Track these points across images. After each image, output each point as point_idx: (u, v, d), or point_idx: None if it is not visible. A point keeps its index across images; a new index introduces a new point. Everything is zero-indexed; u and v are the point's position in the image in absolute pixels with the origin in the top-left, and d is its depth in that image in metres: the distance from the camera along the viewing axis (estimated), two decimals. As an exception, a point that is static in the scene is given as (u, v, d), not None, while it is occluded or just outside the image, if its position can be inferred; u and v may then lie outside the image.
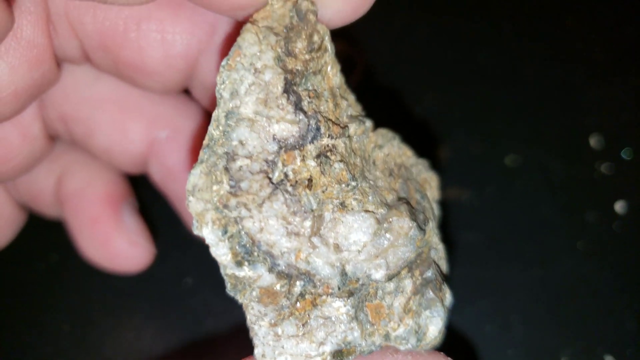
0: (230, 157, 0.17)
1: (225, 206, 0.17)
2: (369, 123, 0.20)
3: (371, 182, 0.19)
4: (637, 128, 0.33)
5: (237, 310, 0.18)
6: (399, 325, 0.18)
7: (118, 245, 0.26)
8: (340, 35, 0.37)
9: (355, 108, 0.20)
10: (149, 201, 0.30)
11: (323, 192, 0.18)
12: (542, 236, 0.31)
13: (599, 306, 0.29)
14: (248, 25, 0.17)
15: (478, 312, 0.29)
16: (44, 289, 0.31)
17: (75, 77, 0.24)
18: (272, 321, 0.18)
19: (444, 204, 0.32)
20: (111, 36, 0.20)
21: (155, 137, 0.25)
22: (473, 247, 0.31)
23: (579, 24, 0.38)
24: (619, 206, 0.31)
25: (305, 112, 0.18)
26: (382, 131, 0.21)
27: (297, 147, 0.18)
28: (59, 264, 0.31)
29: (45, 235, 0.31)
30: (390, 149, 0.21)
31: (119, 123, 0.24)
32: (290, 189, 0.18)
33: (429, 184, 0.22)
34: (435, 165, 0.33)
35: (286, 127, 0.17)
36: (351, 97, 0.20)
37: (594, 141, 0.33)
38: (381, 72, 0.37)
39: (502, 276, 0.30)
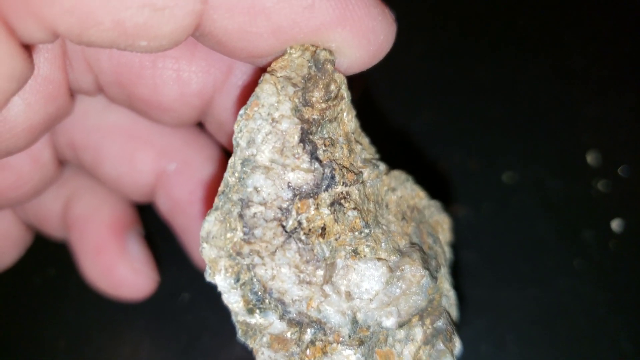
0: (245, 203, 0.17)
1: (239, 254, 0.17)
2: (382, 166, 0.20)
3: (384, 227, 0.19)
4: (634, 145, 0.33)
5: (233, 327, 0.19)
6: None
7: (121, 273, 0.26)
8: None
9: (369, 151, 0.20)
10: (148, 220, 0.30)
11: (336, 240, 0.18)
12: (539, 254, 0.31)
13: (595, 326, 0.29)
14: (267, 76, 0.18)
15: (473, 331, 0.29)
16: (40, 303, 0.31)
17: (87, 105, 0.24)
18: None
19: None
20: (126, 73, 0.20)
21: (163, 169, 0.25)
22: (469, 265, 0.31)
23: (576, 41, 0.38)
24: (616, 224, 0.31)
25: (320, 161, 0.18)
26: (396, 173, 0.21)
27: (312, 195, 0.18)
28: (56, 279, 0.31)
29: (42, 250, 0.31)
30: (403, 191, 0.21)
31: (128, 153, 0.24)
32: (303, 237, 0.18)
33: (441, 226, 0.22)
34: (432, 181, 0.33)
35: (301, 176, 0.18)
36: (365, 140, 0.21)
37: (591, 158, 0.33)
38: (379, 88, 0.37)
39: (498, 295, 0.30)
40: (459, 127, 0.35)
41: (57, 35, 0.16)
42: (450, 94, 0.36)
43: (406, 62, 0.37)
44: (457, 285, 0.30)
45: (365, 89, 0.36)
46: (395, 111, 0.36)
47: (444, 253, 0.21)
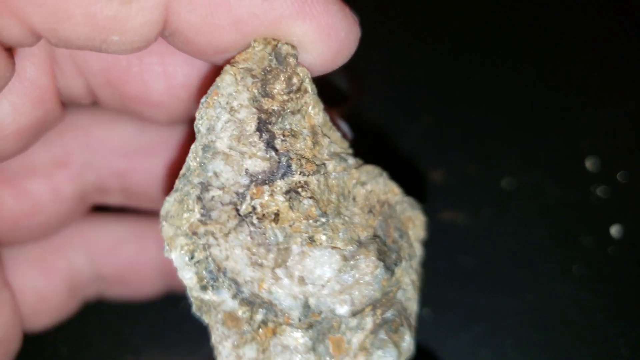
0: (205, 187, 0.19)
1: (195, 233, 0.18)
2: (351, 160, 0.21)
3: (346, 218, 0.20)
4: (633, 151, 0.33)
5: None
6: None
7: None
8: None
9: (340, 145, 0.21)
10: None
11: (290, 226, 0.19)
12: (537, 260, 0.31)
13: (594, 332, 0.29)
14: (228, 67, 0.19)
15: (472, 337, 0.29)
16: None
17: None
18: (235, 343, 0.19)
19: (439, 226, 0.32)
20: (115, 72, 0.21)
21: None
22: (467, 271, 0.31)
23: (574, 46, 0.38)
24: (615, 230, 0.31)
25: (276, 150, 0.19)
26: (368, 168, 0.22)
27: (267, 182, 0.19)
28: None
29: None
30: (374, 186, 0.21)
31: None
32: (256, 221, 0.18)
33: (413, 222, 0.22)
34: (430, 187, 0.34)
35: (258, 163, 0.18)
36: (336, 135, 0.21)
37: (589, 164, 0.34)
38: (376, 94, 0.37)
39: (497, 301, 0.30)
40: (458, 133, 0.35)
41: (36, 33, 0.17)
42: (449, 99, 0.36)
43: (404, 67, 0.38)
44: (455, 292, 0.30)
45: (363, 94, 0.36)
46: (393, 116, 0.36)
47: (411, 248, 0.22)
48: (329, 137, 0.20)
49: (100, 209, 0.28)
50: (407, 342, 0.20)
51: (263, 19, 0.18)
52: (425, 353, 0.29)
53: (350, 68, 0.37)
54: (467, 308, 0.30)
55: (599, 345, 0.28)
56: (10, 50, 0.17)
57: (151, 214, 0.28)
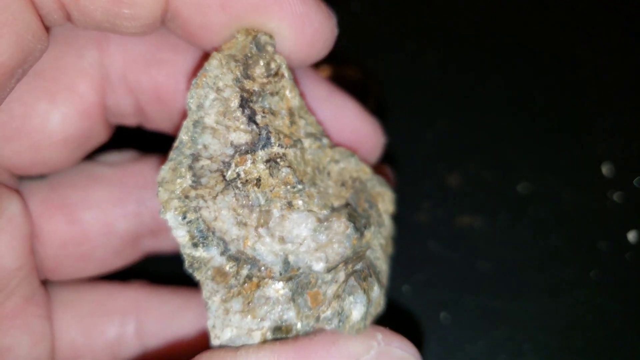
0: (195, 157, 0.21)
1: (187, 197, 0.21)
2: (325, 140, 0.23)
3: (321, 188, 0.22)
4: (649, 157, 0.34)
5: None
6: (327, 308, 0.21)
7: None
8: (355, 65, 0.37)
9: (315, 127, 0.23)
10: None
11: (271, 191, 0.21)
12: (554, 265, 0.31)
13: (612, 336, 0.29)
14: (214, 53, 0.21)
15: (491, 342, 0.29)
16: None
17: None
18: (223, 297, 0.21)
19: (456, 231, 0.32)
20: (165, 90, 0.23)
21: None
22: (485, 275, 0.31)
23: (590, 52, 0.38)
24: (632, 235, 0.31)
25: (257, 124, 0.21)
26: (341, 149, 0.24)
27: (249, 152, 0.21)
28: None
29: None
30: (347, 164, 0.24)
31: None
32: (240, 185, 0.21)
33: (382, 197, 0.25)
34: (447, 192, 0.34)
35: (241, 136, 0.21)
36: (312, 118, 0.23)
37: (606, 169, 0.34)
38: (393, 99, 0.37)
39: (515, 305, 0.30)
40: (474, 138, 0.35)
41: (62, 6, 0.18)
42: (465, 104, 0.36)
43: (421, 71, 0.38)
44: (474, 296, 0.30)
45: (380, 98, 0.37)
46: (410, 120, 0.36)
47: (379, 218, 0.24)
48: (305, 119, 0.23)
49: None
50: (376, 292, 0.21)
51: (245, 3, 0.20)
52: (444, 357, 0.29)
53: (369, 73, 0.37)
54: (485, 313, 0.30)
55: (617, 350, 0.28)
56: (46, 28, 0.19)
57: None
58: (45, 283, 0.25)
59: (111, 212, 0.25)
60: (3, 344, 0.22)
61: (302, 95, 0.23)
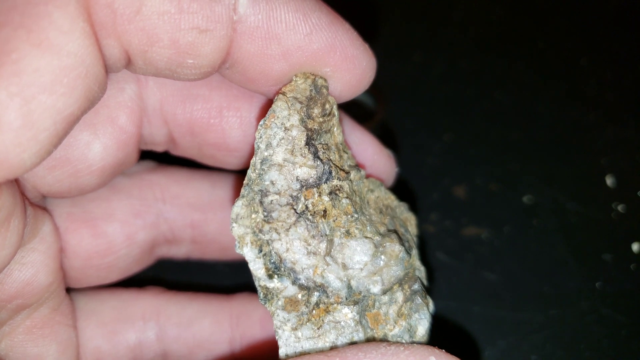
0: (264, 193, 0.22)
1: (260, 231, 0.22)
2: (363, 172, 0.25)
3: (367, 216, 0.24)
4: (653, 169, 0.34)
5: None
6: (394, 327, 0.22)
7: None
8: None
9: (352, 160, 0.25)
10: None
11: (334, 221, 0.22)
12: (560, 276, 0.31)
13: (618, 347, 0.29)
14: (280, 96, 0.23)
15: (498, 352, 0.29)
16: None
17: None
18: (294, 326, 0.22)
19: (463, 242, 0.33)
20: (198, 123, 0.25)
21: None
22: (492, 286, 0.31)
23: (594, 65, 0.39)
24: (637, 247, 0.32)
25: (321, 160, 0.22)
26: (372, 179, 0.26)
27: (315, 185, 0.22)
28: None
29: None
30: (379, 192, 0.26)
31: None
32: (310, 217, 0.22)
33: (409, 222, 0.27)
34: (453, 203, 0.34)
35: (307, 171, 0.22)
36: (350, 152, 0.25)
37: (610, 181, 0.34)
38: (400, 111, 0.38)
39: (521, 316, 0.30)
40: (480, 150, 0.36)
41: (127, 56, 0.20)
42: (471, 117, 0.37)
43: (427, 84, 0.39)
44: (480, 307, 0.31)
45: (387, 111, 0.37)
46: (415, 133, 0.37)
47: (413, 240, 0.25)
48: (346, 153, 0.25)
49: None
50: (432, 308, 0.23)
51: (305, 51, 0.21)
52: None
53: (375, 87, 0.38)
54: (492, 323, 0.30)
55: (623, 361, 0.29)
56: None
57: (223, 293, 0.29)
58: (68, 291, 0.26)
59: (132, 224, 0.26)
60: (33, 352, 0.23)
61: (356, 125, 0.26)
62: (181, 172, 0.28)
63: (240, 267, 0.29)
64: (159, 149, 0.26)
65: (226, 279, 0.32)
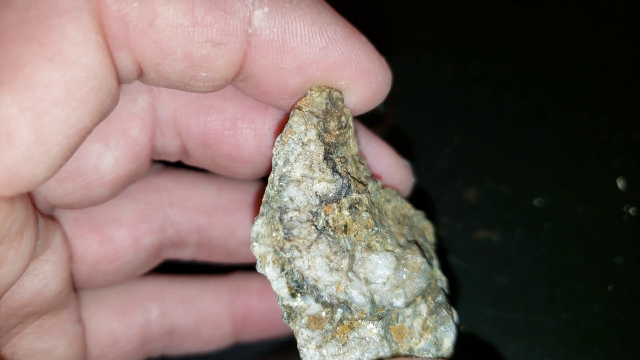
0: (283, 210, 0.22)
1: (282, 249, 0.21)
2: (379, 182, 0.25)
3: (387, 228, 0.23)
4: (664, 171, 0.34)
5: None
6: (419, 340, 0.22)
7: None
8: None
9: (367, 171, 0.25)
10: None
11: (355, 235, 0.22)
12: (572, 279, 0.31)
13: (631, 350, 0.29)
14: (296, 111, 0.22)
15: (510, 355, 0.30)
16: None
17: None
18: (318, 344, 0.21)
19: (474, 245, 0.33)
20: (212, 135, 0.24)
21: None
22: (503, 289, 0.31)
23: (604, 67, 0.39)
24: (649, 250, 0.32)
25: (340, 174, 0.22)
26: (388, 189, 0.26)
27: (335, 200, 0.22)
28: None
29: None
30: (396, 202, 0.25)
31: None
32: (331, 233, 0.22)
33: (427, 230, 0.26)
34: (464, 207, 0.34)
35: (326, 186, 0.22)
36: (365, 162, 0.25)
37: (621, 184, 0.34)
38: (410, 114, 0.38)
39: (533, 319, 0.30)
40: (491, 152, 0.36)
41: (140, 69, 0.19)
42: (482, 119, 0.37)
43: (437, 87, 0.39)
44: (492, 310, 0.31)
45: (397, 115, 0.37)
46: (425, 136, 0.37)
47: (432, 249, 0.25)
48: (362, 164, 0.24)
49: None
50: (456, 318, 0.23)
51: (320, 65, 0.21)
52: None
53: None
54: (504, 326, 0.30)
55: (635, 364, 0.29)
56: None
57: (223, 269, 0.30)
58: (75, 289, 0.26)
59: (139, 228, 0.26)
60: (42, 347, 0.24)
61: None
62: (188, 175, 0.28)
63: (243, 268, 0.30)
64: (172, 159, 0.26)
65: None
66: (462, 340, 0.30)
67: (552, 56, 0.39)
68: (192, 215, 0.27)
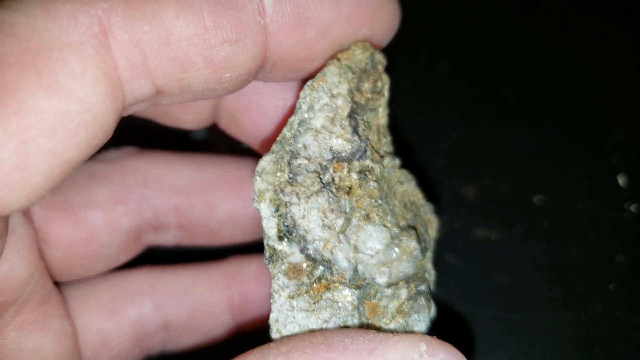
0: (294, 155, 0.22)
1: (282, 191, 0.21)
2: (397, 161, 0.24)
3: (390, 206, 0.23)
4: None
5: None
6: (390, 321, 0.21)
7: None
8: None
9: (389, 147, 0.24)
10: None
11: (357, 201, 0.22)
12: (572, 278, 0.31)
13: (632, 349, 0.29)
14: (334, 60, 0.22)
15: (510, 356, 0.29)
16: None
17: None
18: (291, 294, 0.21)
19: (473, 243, 0.32)
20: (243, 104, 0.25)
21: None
22: (503, 288, 0.31)
23: (604, 62, 0.38)
24: (650, 247, 0.31)
25: (359, 136, 0.22)
26: (404, 171, 0.25)
27: (347, 160, 0.22)
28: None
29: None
30: (408, 187, 0.25)
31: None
32: (334, 190, 0.22)
33: (431, 224, 0.26)
34: (463, 204, 0.34)
35: (342, 143, 0.22)
36: (389, 138, 0.25)
37: (622, 181, 0.33)
38: (406, 110, 0.37)
39: (533, 318, 0.30)
40: (489, 149, 0.35)
41: (158, 89, 0.19)
42: (479, 115, 0.36)
43: (433, 83, 0.38)
44: (492, 310, 0.30)
45: (393, 110, 0.37)
46: (423, 132, 0.36)
47: (430, 243, 0.25)
48: (386, 138, 0.24)
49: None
50: (433, 314, 0.22)
51: (339, 20, 0.21)
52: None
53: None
54: (504, 326, 0.30)
55: (637, 364, 0.28)
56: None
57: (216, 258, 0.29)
58: (57, 284, 0.25)
59: (114, 210, 0.26)
60: (28, 346, 0.23)
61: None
62: (163, 155, 0.28)
63: (231, 252, 0.29)
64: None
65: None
66: (458, 338, 0.30)
67: (551, 51, 0.39)
68: (169, 195, 0.27)
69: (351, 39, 0.22)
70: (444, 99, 0.37)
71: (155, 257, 0.29)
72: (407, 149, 0.36)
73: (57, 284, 0.25)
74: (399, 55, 0.40)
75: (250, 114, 0.26)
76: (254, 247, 0.29)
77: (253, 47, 0.20)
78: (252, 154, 0.28)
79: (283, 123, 0.23)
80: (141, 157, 0.27)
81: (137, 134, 0.28)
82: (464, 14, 0.41)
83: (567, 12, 0.40)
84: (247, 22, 0.19)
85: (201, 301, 0.28)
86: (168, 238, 0.28)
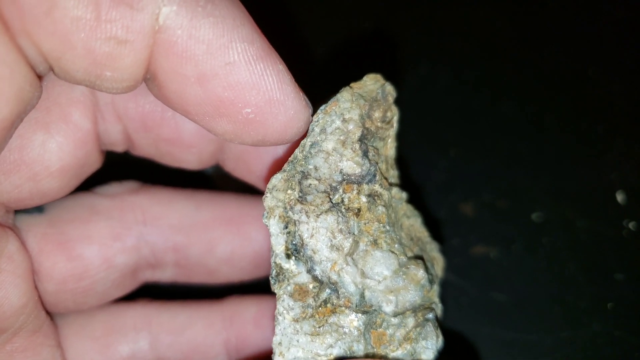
0: (305, 175, 0.22)
1: (292, 209, 0.21)
2: (405, 195, 0.25)
3: (398, 236, 0.23)
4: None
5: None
6: (397, 348, 0.21)
7: None
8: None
9: (396, 179, 0.25)
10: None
11: (365, 224, 0.22)
12: (571, 296, 0.31)
13: (631, 370, 0.29)
14: (347, 88, 0.23)
15: (508, 376, 0.29)
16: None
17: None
18: (296, 317, 0.21)
19: (471, 261, 0.32)
20: (151, 117, 0.24)
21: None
22: (501, 306, 0.31)
23: (603, 77, 0.38)
24: (649, 266, 0.31)
25: (369, 160, 0.22)
26: (410, 207, 0.26)
27: (356, 183, 0.22)
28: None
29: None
30: (414, 222, 0.25)
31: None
32: (343, 210, 0.22)
33: (437, 262, 0.26)
34: (461, 221, 0.33)
35: (353, 166, 0.22)
36: (397, 172, 0.25)
37: (620, 198, 0.33)
38: (405, 126, 0.37)
39: (531, 337, 0.30)
40: (488, 166, 0.35)
41: (46, 60, 0.18)
42: (478, 132, 0.36)
43: (432, 98, 0.38)
44: (489, 328, 0.30)
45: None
46: (421, 148, 0.36)
47: (437, 278, 0.25)
48: (393, 171, 0.25)
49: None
50: (441, 342, 0.22)
51: (223, 81, 0.19)
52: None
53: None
54: (501, 345, 0.30)
55: (636, 385, 0.28)
56: (39, 76, 0.19)
57: (212, 298, 0.28)
58: (50, 313, 0.25)
59: (111, 247, 0.25)
60: None
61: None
62: (164, 192, 0.27)
63: (229, 290, 0.29)
64: (119, 148, 0.25)
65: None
66: (456, 357, 0.29)
67: (550, 65, 0.39)
68: (168, 233, 0.26)
69: (230, 106, 0.20)
70: (443, 115, 0.37)
71: (153, 290, 0.28)
72: (404, 165, 0.36)
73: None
74: (398, 70, 0.40)
75: (260, 156, 0.25)
76: (253, 286, 0.28)
77: (141, 52, 0.18)
78: (257, 192, 0.27)
79: (294, 146, 0.23)
80: (142, 193, 0.27)
81: (141, 167, 0.28)
82: (463, 29, 0.41)
83: (566, 27, 0.40)
84: (141, 24, 0.18)
85: (197, 341, 0.27)
86: (165, 275, 0.28)
